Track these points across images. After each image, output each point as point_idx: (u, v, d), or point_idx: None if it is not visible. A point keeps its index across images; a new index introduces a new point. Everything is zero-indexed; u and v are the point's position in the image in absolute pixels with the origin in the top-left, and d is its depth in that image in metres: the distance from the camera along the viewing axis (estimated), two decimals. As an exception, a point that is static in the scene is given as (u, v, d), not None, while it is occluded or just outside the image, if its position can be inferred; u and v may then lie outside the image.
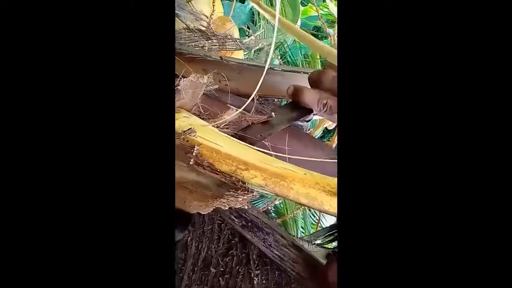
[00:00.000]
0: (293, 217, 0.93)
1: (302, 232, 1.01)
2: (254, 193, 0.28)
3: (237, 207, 0.27)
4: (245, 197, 0.28)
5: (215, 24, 0.78)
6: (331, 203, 0.27)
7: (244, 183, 0.29)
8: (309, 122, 0.58)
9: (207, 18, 0.54)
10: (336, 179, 0.28)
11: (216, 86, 0.43)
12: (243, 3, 1.26)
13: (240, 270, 0.34)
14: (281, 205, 0.99)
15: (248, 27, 1.20)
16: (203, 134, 0.31)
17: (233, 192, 0.27)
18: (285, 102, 0.77)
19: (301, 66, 1.36)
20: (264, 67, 0.59)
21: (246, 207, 0.28)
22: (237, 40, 0.63)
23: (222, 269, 0.34)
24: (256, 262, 0.34)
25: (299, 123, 0.56)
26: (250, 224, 0.37)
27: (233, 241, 0.37)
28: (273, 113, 0.43)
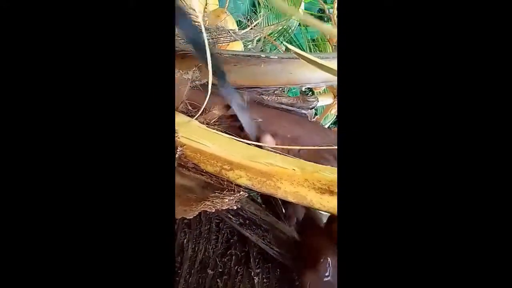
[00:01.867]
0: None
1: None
2: (241, 193, 0.27)
3: (223, 208, 0.26)
4: (231, 198, 0.26)
5: (210, 18, 0.76)
6: (322, 202, 0.25)
7: (230, 182, 0.27)
8: (313, 110, 0.56)
9: (195, 11, 0.52)
10: (329, 174, 0.26)
11: (205, 81, 0.41)
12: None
13: (239, 270, 0.33)
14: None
15: (248, 18, 1.16)
16: (187, 133, 0.30)
17: (219, 193, 0.26)
18: (287, 91, 0.74)
19: (308, 50, 1.31)
20: (259, 56, 0.57)
21: (234, 207, 0.27)
22: (231, 31, 0.61)
23: (220, 270, 0.33)
24: (257, 260, 0.33)
25: (303, 111, 0.54)
26: (247, 221, 0.35)
27: (231, 240, 0.36)
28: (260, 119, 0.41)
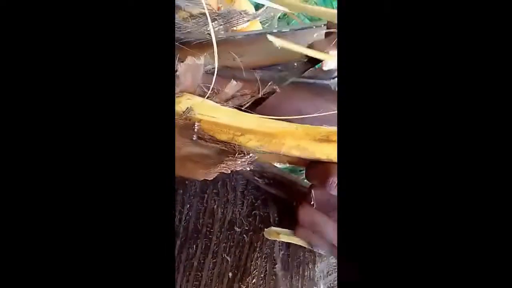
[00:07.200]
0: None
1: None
2: (251, 155, 0.30)
3: (237, 169, 0.30)
4: (243, 160, 0.30)
5: (224, 3, 0.78)
6: (323, 150, 0.28)
7: (242, 147, 0.31)
8: (335, 79, 0.56)
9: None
10: (328, 127, 0.28)
11: (215, 65, 0.44)
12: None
13: (262, 227, 0.37)
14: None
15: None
16: (202, 110, 0.34)
17: (232, 157, 0.30)
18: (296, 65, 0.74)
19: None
20: (272, 32, 0.58)
21: (247, 169, 0.31)
22: (242, 13, 0.63)
23: (246, 228, 0.37)
24: (277, 219, 0.37)
25: (325, 81, 0.54)
26: (272, 181, 0.39)
27: (255, 204, 0.40)
28: (277, 88, 0.43)
